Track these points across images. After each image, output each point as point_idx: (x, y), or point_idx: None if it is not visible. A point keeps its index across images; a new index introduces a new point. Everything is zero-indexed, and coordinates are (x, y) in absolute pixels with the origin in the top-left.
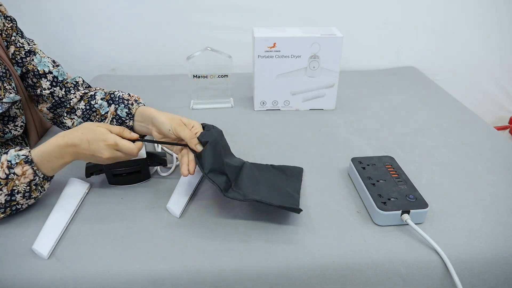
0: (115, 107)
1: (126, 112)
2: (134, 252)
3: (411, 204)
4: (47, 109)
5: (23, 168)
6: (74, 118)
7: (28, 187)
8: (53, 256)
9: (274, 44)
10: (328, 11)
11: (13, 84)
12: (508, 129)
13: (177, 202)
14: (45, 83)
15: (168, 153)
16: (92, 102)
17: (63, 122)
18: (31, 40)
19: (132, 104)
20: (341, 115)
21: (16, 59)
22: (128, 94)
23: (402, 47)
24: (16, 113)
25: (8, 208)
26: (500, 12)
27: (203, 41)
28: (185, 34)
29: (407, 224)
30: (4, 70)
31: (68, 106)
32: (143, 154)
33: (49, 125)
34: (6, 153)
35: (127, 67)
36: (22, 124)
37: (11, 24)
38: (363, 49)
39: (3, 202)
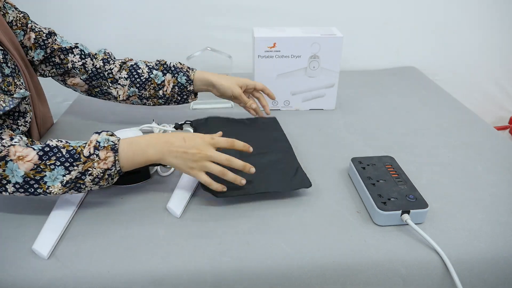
0: (173, 76)
1: (185, 79)
2: (134, 252)
3: (411, 204)
4: (82, 80)
5: (106, 153)
6: (118, 88)
7: (101, 174)
8: (53, 256)
9: (274, 44)
10: (328, 11)
11: (21, 80)
12: (508, 129)
13: (177, 202)
14: (74, 57)
15: None
16: (139, 71)
17: (107, 92)
18: (45, 27)
19: (188, 71)
20: (341, 115)
21: (39, 42)
22: (179, 62)
23: (402, 47)
24: (26, 109)
25: (72, 184)
26: (500, 12)
27: (203, 41)
28: (185, 34)
29: (407, 224)
30: (13, 66)
31: (110, 76)
32: None
33: (49, 124)
34: (99, 133)
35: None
36: (30, 120)
37: (23, 14)
38: (363, 49)
39: (73, 178)
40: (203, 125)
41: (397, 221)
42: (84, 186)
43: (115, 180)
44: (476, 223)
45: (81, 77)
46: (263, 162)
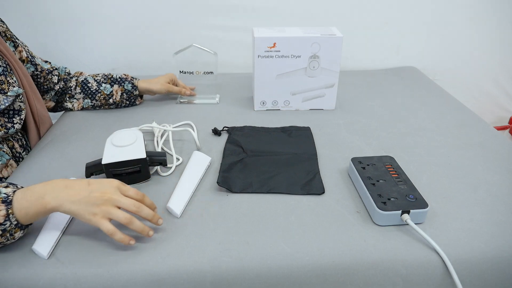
0: (120, 85)
1: (131, 86)
2: (134, 252)
3: (411, 204)
4: (54, 102)
5: None
6: (73, 101)
7: None
8: (53, 256)
9: (274, 44)
10: (328, 11)
11: (14, 78)
12: (508, 129)
13: (177, 202)
14: (53, 78)
15: (168, 153)
16: (89, 85)
17: (63, 106)
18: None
19: (132, 80)
20: (341, 115)
21: (29, 58)
22: (124, 74)
23: (402, 47)
24: (20, 106)
25: None
26: (500, 12)
27: (203, 41)
28: (185, 34)
29: (407, 224)
30: (4, 65)
31: (69, 92)
32: (143, 154)
33: (48, 124)
34: None
35: (127, 67)
36: (24, 117)
37: (5, 25)
38: (363, 49)
39: None
40: (239, 131)
41: (397, 221)
42: None
43: (17, 235)
44: (476, 223)
45: (53, 100)
46: (286, 165)
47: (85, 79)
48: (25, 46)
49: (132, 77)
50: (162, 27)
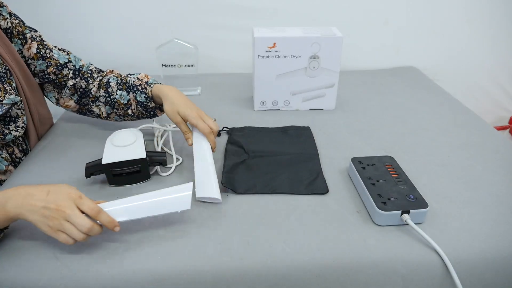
0: (133, 95)
1: (144, 96)
2: (134, 252)
3: (411, 204)
4: (75, 102)
5: None
6: (100, 105)
7: None
8: (53, 256)
9: (274, 44)
10: (328, 11)
11: (13, 85)
12: (508, 129)
13: (209, 187)
14: (67, 72)
15: (168, 153)
16: (110, 90)
17: (91, 110)
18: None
19: (145, 88)
20: (341, 115)
21: (41, 53)
22: (137, 78)
23: (402, 47)
24: (17, 114)
25: None
26: (501, 12)
27: (203, 41)
28: (185, 35)
29: (407, 224)
30: (4, 71)
31: (91, 96)
32: (143, 154)
33: (49, 125)
34: None
35: (127, 67)
36: (23, 125)
37: (18, 21)
38: (363, 49)
39: None
40: (239, 132)
41: (397, 221)
42: None
43: None
44: (476, 223)
45: (74, 99)
46: (288, 165)
47: (108, 81)
48: (39, 36)
49: (146, 84)
50: (162, 27)
